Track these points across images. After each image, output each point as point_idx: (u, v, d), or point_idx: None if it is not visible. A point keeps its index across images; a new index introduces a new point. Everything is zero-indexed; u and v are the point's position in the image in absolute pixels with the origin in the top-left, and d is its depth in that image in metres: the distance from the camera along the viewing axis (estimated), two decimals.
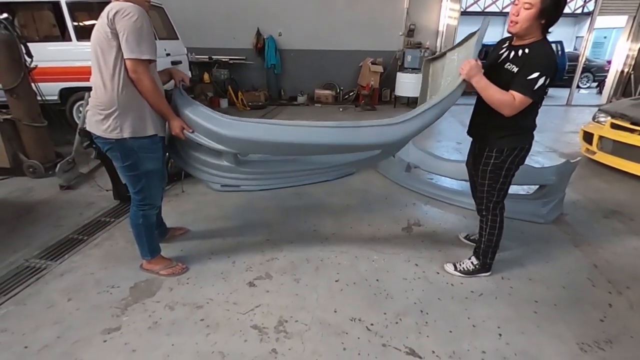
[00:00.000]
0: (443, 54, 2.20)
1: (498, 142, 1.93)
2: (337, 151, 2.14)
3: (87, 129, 1.91)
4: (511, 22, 1.74)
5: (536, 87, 1.69)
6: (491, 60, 1.94)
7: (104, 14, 1.71)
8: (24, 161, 3.65)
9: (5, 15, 3.38)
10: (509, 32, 1.81)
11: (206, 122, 1.93)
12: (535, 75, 1.68)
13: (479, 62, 1.80)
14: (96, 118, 1.83)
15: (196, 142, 1.99)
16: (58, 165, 3.39)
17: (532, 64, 1.71)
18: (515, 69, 1.76)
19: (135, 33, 1.68)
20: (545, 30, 1.76)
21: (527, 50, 1.75)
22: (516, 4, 1.72)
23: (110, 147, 1.87)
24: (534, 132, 1.97)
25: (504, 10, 17.36)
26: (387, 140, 2.00)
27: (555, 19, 1.72)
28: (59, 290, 2.10)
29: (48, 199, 3.29)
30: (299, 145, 2.00)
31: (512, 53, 1.81)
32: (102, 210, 3.07)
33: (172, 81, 2.12)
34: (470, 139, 2.18)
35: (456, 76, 1.89)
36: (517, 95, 1.73)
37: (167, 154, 2.21)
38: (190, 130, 1.93)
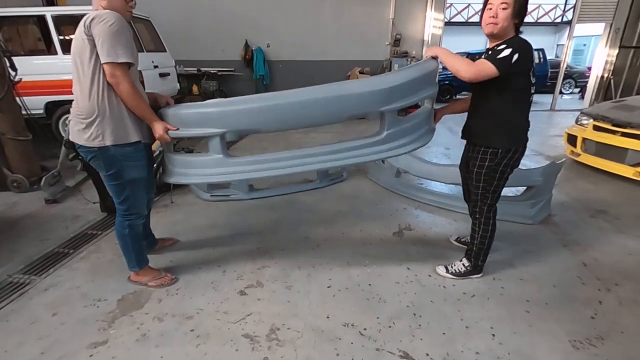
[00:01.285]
0: None
1: (492, 140, 1.95)
2: (327, 110, 1.95)
3: (71, 139, 1.89)
4: (489, 24, 1.81)
5: (500, 55, 1.75)
6: None
7: (81, 22, 1.71)
8: (8, 176, 3.58)
9: None
10: (487, 34, 1.86)
11: (190, 109, 1.93)
12: (502, 47, 1.77)
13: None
14: (78, 127, 1.82)
15: (181, 139, 1.96)
16: (43, 179, 3.33)
17: (503, 46, 1.78)
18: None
19: (111, 37, 1.67)
20: (517, 29, 1.85)
21: (502, 45, 1.80)
22: (490, 8, 1.81)
23: (93, 155, 1.85)
24: (528, 135, 2.01)
25: None
26: (373, 88, 1.92)
27: (523, 18, 1.84)
28: (43, 305, 2.04)
29: (33, 213, 3.21)
30: (288, 107, 1.90)
31: (489, 52, 1.86)
32: (88, 223, 3.01)
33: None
34: (463, 144, 2.22)
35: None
36: (480, 61, 1.79)
37: (155, 165, 2.18)
38: (175, 129, 1.90)
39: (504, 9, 1.76)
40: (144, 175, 2.00)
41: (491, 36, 1.86)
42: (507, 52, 1.74)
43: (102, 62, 1.71)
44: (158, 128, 1.88)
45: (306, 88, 1.92)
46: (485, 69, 1.76)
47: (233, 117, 1.90)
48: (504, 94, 1.86)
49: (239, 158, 2.02)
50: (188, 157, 2.11)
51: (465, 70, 1.81)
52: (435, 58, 2.02)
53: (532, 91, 1.91)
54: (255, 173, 2.01)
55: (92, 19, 1.68)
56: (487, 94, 1.92)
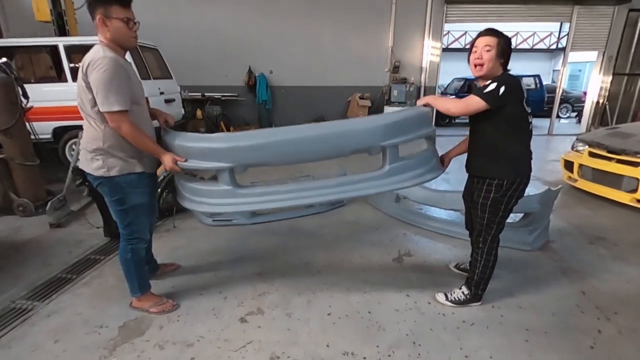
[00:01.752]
0: None
1: (496, 172, 2.00)
2: (331, 146, 2.08)
3: (80, 166, 1.97)
4: (476, 66, 1.93)
5: (488, 89, 1.86)
6: None
7: (81, 64, 1.77)
8: (14, 200, 3.64)
9: (4, 59, 3.50)
10: (476, 76, 1.98)
11: (199, 143, 1.99)
12: (489, 82, 1.88)
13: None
14: (86, 157, 1.91)
15: (191, 170, 2.03)
16: (49, 204, 3.39)
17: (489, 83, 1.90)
18: None
19: (104, 86, 1.71)
20: (505, 67, 1.96)
21: (490, 82, 1.91)
22: (475, 51, 1.93)
23: (99, 182, 1.94)
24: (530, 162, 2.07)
25: None
26: (373, 124, 2.08)
27: (509, 57, 1.95)
28: (45, 332, 2.06)
29: (37, 237, 3.26)
30: (294, 143, 2.01)
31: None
32: (92, 248, 3.05)
33: (156, 122, 2.20)
34: (462, 169, 2.27)
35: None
36: (469, 96, 1.92)
37: (160, 189, 2.25)
38: (183, 160, 1.97)
39: (487, 51, 1.88)
40: (147, 201, 2.07)
41: (480, 78, 1.97)
42: (493, 85, 1.85)
43: (100, 110, 1.77)
44: (167, 161, 1.95)
45: (311, 125, 2.06)
46: (473, 102, 1.88)
47: (241, 152, 1.98)
48: (500, 126, 1.94)
49: (248, 189, 2.09)
50: (198, 185, 2.16)
51: (454, 106, 1.95)
52: (426, 106, 2.14)
53: (530, 120, 1.99)
54: (263, 204, 2.09)
55: (89, 65, 1.73)
56: (484, 127, 2.00)
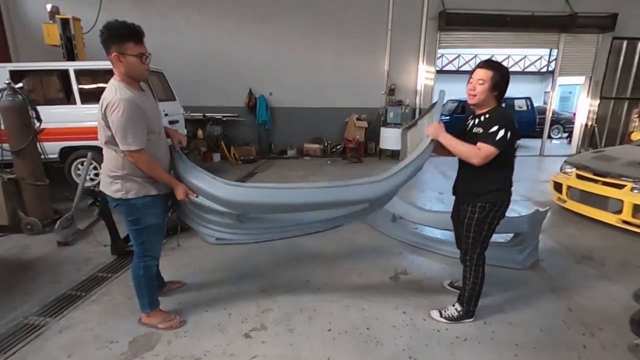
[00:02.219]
0: (415, 123, 2.55)
1: (481, 198, 2.17)
2: (328, 207, 2.36)
3: (100, 188, 2.13)
4: (470, 95, 2.11)
5: (498, 137, 2.00)
6: (461, 129, 2.29)
7: (100, 103, 1.94)
8: (22, 218, 3.75)
9: (20, 84, 3.69)
10: (469, 104, 2.16)
11: (208, 188, 2.16)
12: (495, 128, 2.01)
13: (441, 123, 2.16)
14: (106, 181, 2.08)
15: (200, 204, 2.20)
16: (58, 222, 3.51)
17: (492, 122, 2.05)
18: (481, 130, 2.09)
19: (122, 127, 1.88)
20: (499, 100, 2.13)
21: (487, 115, 2.11)
22: (471, 82, 2.11)
23: (117, 204, 2.10)
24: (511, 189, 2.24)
25: None
26: (372, 195, 2.26)
27: (504, 90, 2.11)
28: (58, 347, 2.15)
29: (45, 255, 3.36)
30: (293, 205, 2.24)
31: (477, 120, 2.17)
32: (99, 266, 3.15)
33: (169, 140, 2.33)
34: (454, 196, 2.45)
35: (425, 137, 2.22)
36: (482, 145, 2.04)
37: (171, 210, 2.40)
38: (195, 195, 2.15)
39: (480, 84, 2.06)
40: (160, 221, 2.22)
41: (473, 105, 2.15)
42: (501, 133, 1.99)
43: (120, 147, 1.94)
44: (179, 192, 2.12)
45: (315, 189, 2.28)
46: (491, 153, 2.01)
47: (245, 207, 2.23)
48: (494, 161, 2.06)
49: (253, 223, 2.27)
50: (207, 214, 2.33)
51: (476, 158, 2.05)
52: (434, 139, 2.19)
53: (515, 154, 2.18)
54: (264, 236, 2.40)
55: (106, 107, 1.89)
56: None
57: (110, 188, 2.06)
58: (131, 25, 1.91)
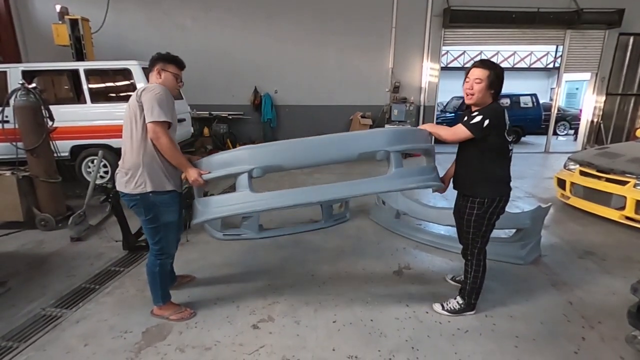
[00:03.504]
0: None
1: (477, 191, 2.24)
2: (341, 148, 2.34)
3: (117, 189, 2.22)
4: (467, 95, 2.18)
5: (473, 121, 2.11)
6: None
7: (135, 92, 2.14)
8: (36, 215, 3.87)
9: (34, 85, 3.80)
10: (467, 104, 2.22)
11: (222, 154, 2.30)
12: (476, 115, 2.13)
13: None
14: (125, 179, 2.15)
15: (213, 180, 2.27)
16: (71, 219, 3.62)
17: (478, 112, 2.14)
18: None
19: (154, 101, 2.05)
20: (494, 98, 2.19)
21: (479, 110, 2.17)
22: (467, 81, 2.17)
23: (135, 203, 2.17)
24: (511, 184, 2.30)
25: None
26: (377, 133, 2.39)
27: (500, 88, 2.18)
28: (76, 337, 2.25)
29: (59, 250, 3.47)
30: (307, 146, 2.29)
31: (466, 117, 2.23)
32: (111, 260, 3.26)
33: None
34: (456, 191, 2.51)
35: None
36: (458, 126, 2.19)
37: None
38: (207, 172, 2.22)
39: (477, 83, 2.11)
40: (176, 218, 2.31)
41: (472, 105, 2.20)
42: (478, 118, 2.10)
43: (146, 121, 2.07)
44: (192, 173, 2.20)
45: (325, 135, 2.32)
46: (460, 132, 2.16)
47: (261, 155, 2.24)
48: (485, 152, 2.18)
49: (263, 193, 2.28)
50: (218, 196, 2.41)
51: (445, 133, 2.26)
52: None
53: (510, 148, 2.22)
54: (279, 202, 2.26)
55: (144, 89, 2.10)
56: (470, 152, 2.25)
57: (130, 185, 2.14)
58: (177, 57, 2.30)
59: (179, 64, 2.28)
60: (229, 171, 2.24)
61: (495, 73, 2.12)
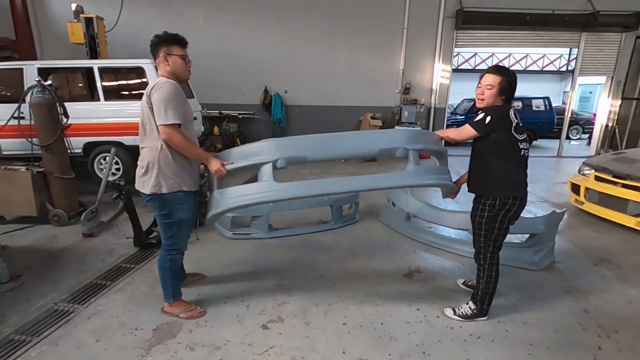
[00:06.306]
0: None
1: (487, 190, 2.23)
2: (362, 144, 2.41)
3: (136, 187, 2.24)
4: (478, 100, 2.21)
5: (476, 119, 2.18)
6: None
7: (145, 90, 2.12)
8: (50, 210, 3.92)
9: (49, 82, 3.85)
10: (477, 107, 2.22)
11: (245, 146, 2.33)
12: (479, 113, 2.18)
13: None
14: (142, 178, 2.18)
15: (236, 171, 2.28)
16: (83, 215, 3.66)
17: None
18: None
19: (163, 103, 2.02)
20: (506, 102, 2.19)
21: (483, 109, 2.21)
22: (480, 87, 2.19)
23: (150, 198, 2.19)
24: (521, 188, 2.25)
25: None
26: (397, 132, 2.51)
27: (512, 94, 2.19)
28: (87, 332, 2.27)
29: (72, 246, 3.51)
30: (330, 140, 2.35)
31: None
32: (122, 257, 3.28)
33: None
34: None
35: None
36: (465, 125, 2.25)
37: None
38: (229, 162, 2.22)
39: (489, 89, 2.14)
40: (189, 216, 2.32)
41: (481, 108, 2.21)
42: (480, 116, 2.15)
43: (157, 124, 2.06)
44: (214, 164, 2.20)
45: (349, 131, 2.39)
46: (465, 130, 2.23)
47: (285, 147, 2.27)
48: (492, 149, 2.19)
49: (287, 183, 2.29)
50: (240, 186, 2.39)
51: (452, 134, 2.38)
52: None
53: (522, 146, 2.18)
54: (304, 191, 2.33)
55: (153, 87, 2.08)
56: (478, 150, 2.27)
57: (146, 185, 2.16)
58: (176, 34, 2.21)
59: (181, 42, 2.20)
60: (253, 161, 2.24)
61: (507, 80, 2.14)
